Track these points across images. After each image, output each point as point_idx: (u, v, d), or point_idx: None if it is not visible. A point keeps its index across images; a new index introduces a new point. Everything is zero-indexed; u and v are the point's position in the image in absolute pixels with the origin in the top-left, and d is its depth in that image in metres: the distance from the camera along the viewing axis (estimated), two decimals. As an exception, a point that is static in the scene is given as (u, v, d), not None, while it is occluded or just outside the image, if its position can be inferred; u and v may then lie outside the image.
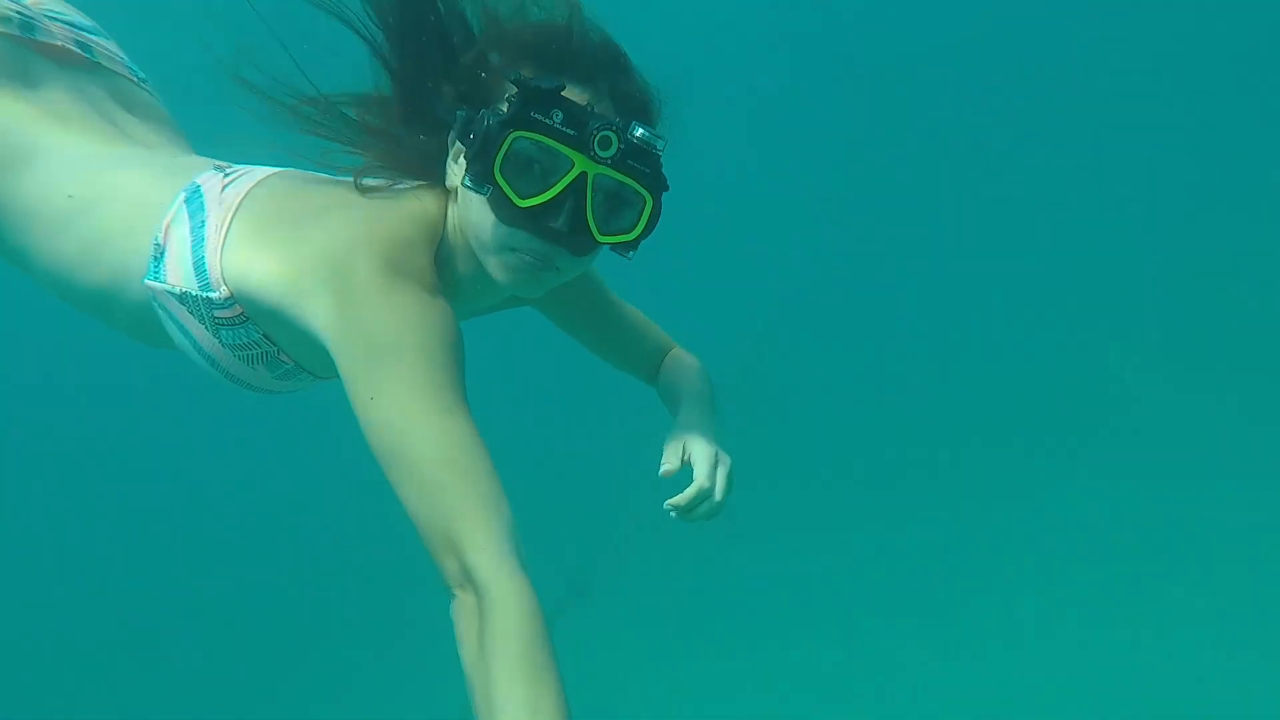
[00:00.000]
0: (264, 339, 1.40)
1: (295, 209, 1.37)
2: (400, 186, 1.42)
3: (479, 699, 1.08)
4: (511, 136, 1.25)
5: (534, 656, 1.07)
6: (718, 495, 1.51)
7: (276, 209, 1.37)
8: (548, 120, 1.25)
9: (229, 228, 1.36)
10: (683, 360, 1.78)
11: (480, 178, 1.27)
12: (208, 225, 1.37)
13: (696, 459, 1.53)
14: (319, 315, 1.26)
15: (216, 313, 1.37)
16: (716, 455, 1.54)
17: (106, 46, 1.75)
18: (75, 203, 1.46)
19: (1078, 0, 7.60)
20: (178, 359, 1.51)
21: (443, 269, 1.38)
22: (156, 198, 1.43)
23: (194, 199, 1.41)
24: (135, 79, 1.77)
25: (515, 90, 1.26)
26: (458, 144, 1.34)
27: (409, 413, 1.18)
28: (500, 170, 1.26)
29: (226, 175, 1.44)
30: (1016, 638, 4.55)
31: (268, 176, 1.44)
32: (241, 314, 1.37)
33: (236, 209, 1.37)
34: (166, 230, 1.40)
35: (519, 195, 1.26)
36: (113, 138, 1.59)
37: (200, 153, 1.69)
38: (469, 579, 1.11)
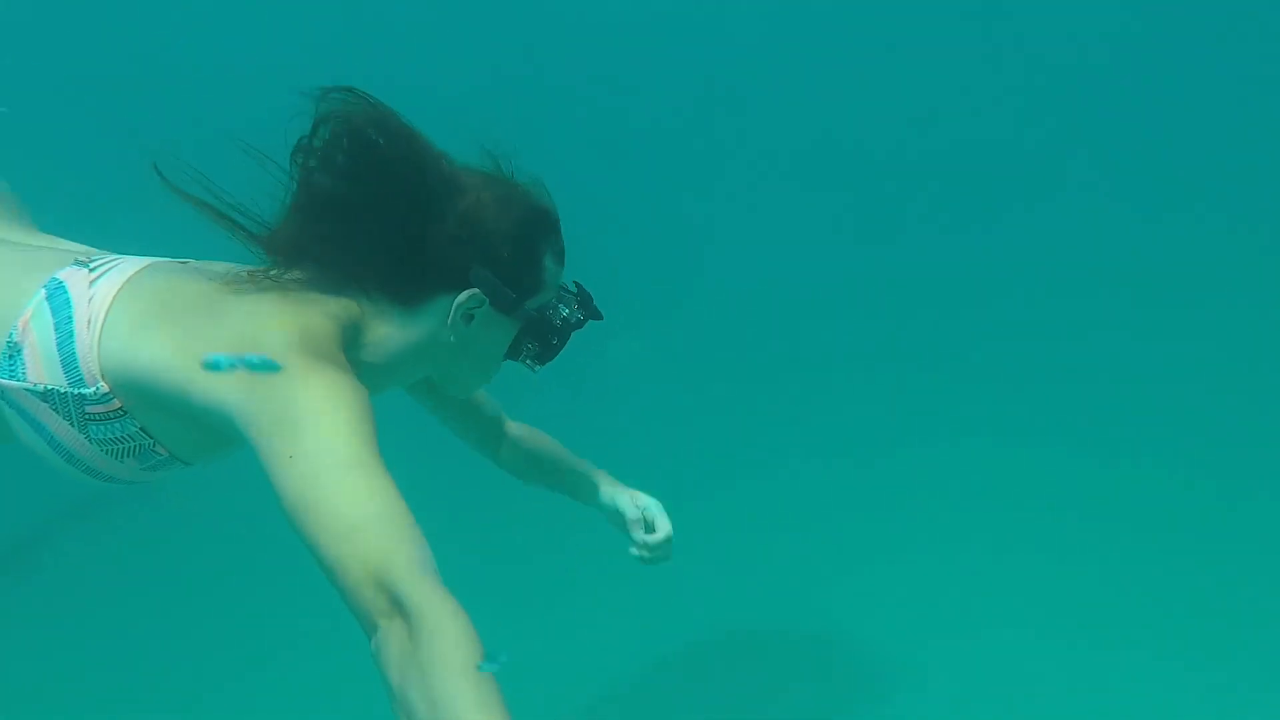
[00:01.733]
0: (140, 432, 1.39)
1: (185, 302, 1.37)
2: (299, 292, 1.40)
3: (419, 704, 1.03)
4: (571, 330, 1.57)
5: (476, 663, 1.05)
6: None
7: (163, 301, 1.37)
8: (592, 311, 1.59)
9: (104, 321, 1.36)
10: (531, 431, 2.03)
11: (541, 359, 1.57)
12: (75, 321, 1.37)
13: (653, 511, 1.89)
14: (229, 391, 1.24)
15: (88, 408, 1.37)
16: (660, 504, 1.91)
17: None
18: None
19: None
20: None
21: (353, 365, 1.38)
22: (9, 295, 1.42)
23: (57, 295, 1.40)
24: None
25: (575, 298, 1.57)
26: (500, 316, 1.49)
27: (330, 464, 1.17)
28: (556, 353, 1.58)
29: (92, 270, 1.43)
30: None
31: (142, 270, 1.44)
32: (119, 408, 1.36)
33: (112, 302, 1.37)
34: (24, 328, 1.39)
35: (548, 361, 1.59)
36: None
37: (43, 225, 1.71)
38: (398, 608, 1.08)
